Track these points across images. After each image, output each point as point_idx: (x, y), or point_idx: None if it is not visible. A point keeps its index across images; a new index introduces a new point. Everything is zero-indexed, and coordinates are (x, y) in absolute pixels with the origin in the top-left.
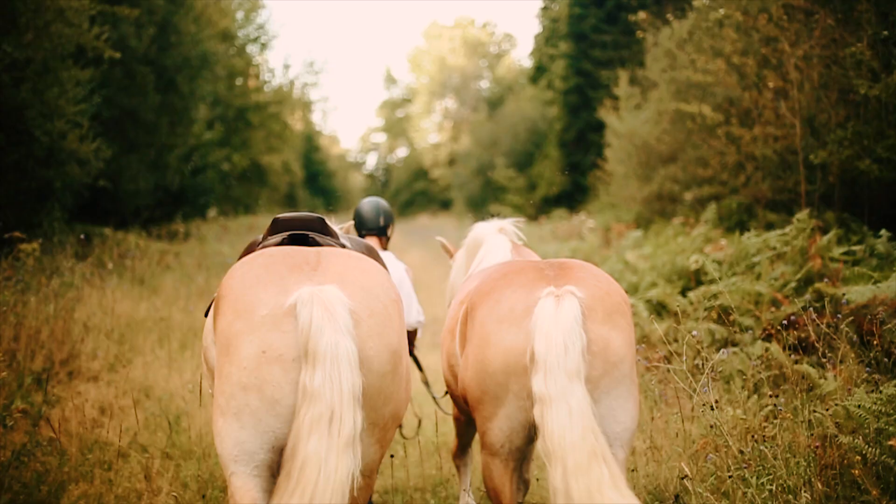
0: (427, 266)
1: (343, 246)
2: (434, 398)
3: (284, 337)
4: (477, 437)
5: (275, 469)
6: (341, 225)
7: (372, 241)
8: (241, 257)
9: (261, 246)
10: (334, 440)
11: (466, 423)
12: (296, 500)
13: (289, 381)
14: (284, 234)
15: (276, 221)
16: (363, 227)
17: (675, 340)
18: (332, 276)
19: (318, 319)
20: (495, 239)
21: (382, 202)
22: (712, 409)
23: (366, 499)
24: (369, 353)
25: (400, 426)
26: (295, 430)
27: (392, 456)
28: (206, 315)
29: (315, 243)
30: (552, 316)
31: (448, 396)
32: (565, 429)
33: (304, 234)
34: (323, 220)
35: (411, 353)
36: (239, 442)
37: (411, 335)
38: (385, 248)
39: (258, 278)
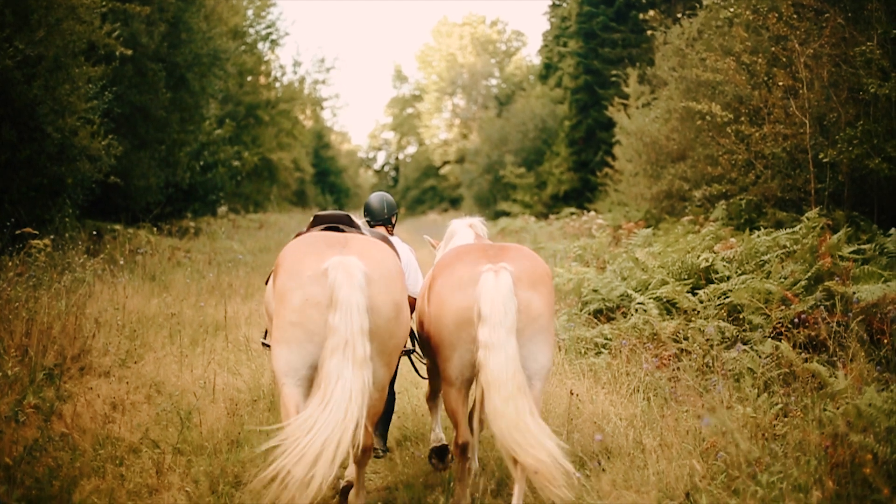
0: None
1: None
2: (412, 362)
3: (320, 289)
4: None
5: (311, 382)
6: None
7: (380, 229)
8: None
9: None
10: (348, 360)
11: (434, 370)
12: (324, 402)
13: (322, 320)
14: (322, 226)
15: (316, 217)
16: (372, 218)
17: (686, 338)
18: (355, 251)
19: (340, 279)
20: (464, 231)
21: (387, 196)
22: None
23: (379, 409)
24: (378, 303)
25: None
26: (322, 354)
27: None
28: (266, 283)
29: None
30: (493, 285)
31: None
32: (502, 368)
33: (336, 226)
34: (349, 216)
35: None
36: (288, 362)
37: (412, 303)
38: (391, 234)
39: (304, 252)
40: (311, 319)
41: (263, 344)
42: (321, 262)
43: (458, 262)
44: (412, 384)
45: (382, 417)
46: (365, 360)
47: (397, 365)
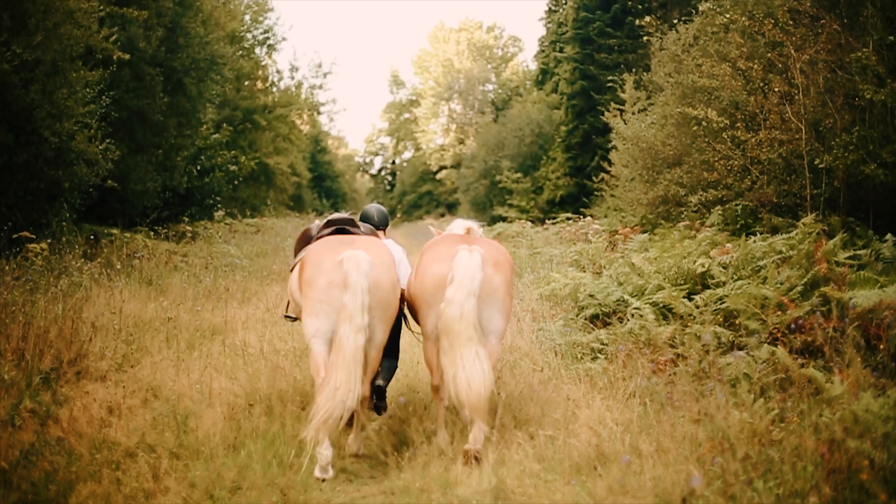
0: None
1: (363, 233)
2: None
3: (338, 275)
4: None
5: (331, 341)
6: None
7: (379, 234)
8: (299, 239)
9: (320, 235)
10: (353, 328)
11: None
12: (338, 356)
13: (340, 296)
14: (333, 228)
15: (328, 221)
16: (370, 223)
17: (682, 343)
18: (361, 247)
19: (351, 267)
20: (457, 227)
21: (381, 207)
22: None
23: (375, 366)
24: (382, 281)
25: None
26: (336, 322)
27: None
28: (291, 271)
29: (349, 232)
30: (468, 258)
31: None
32: (455, 318)
33: (344, 227)
34: (353, 219)
35: (402, 311)
36: (317, 328)
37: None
38: (386, 237)
39: (324, 250)
40: (333, 297)
41: (286, 316)
42: (337, 256)
43: (441, 243)
44: (410, 388)
45: (386, 374)
46: (363, 327)
47: (399, 334)
